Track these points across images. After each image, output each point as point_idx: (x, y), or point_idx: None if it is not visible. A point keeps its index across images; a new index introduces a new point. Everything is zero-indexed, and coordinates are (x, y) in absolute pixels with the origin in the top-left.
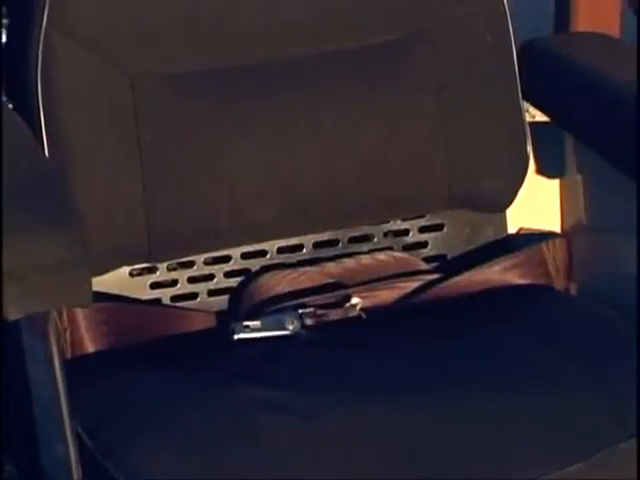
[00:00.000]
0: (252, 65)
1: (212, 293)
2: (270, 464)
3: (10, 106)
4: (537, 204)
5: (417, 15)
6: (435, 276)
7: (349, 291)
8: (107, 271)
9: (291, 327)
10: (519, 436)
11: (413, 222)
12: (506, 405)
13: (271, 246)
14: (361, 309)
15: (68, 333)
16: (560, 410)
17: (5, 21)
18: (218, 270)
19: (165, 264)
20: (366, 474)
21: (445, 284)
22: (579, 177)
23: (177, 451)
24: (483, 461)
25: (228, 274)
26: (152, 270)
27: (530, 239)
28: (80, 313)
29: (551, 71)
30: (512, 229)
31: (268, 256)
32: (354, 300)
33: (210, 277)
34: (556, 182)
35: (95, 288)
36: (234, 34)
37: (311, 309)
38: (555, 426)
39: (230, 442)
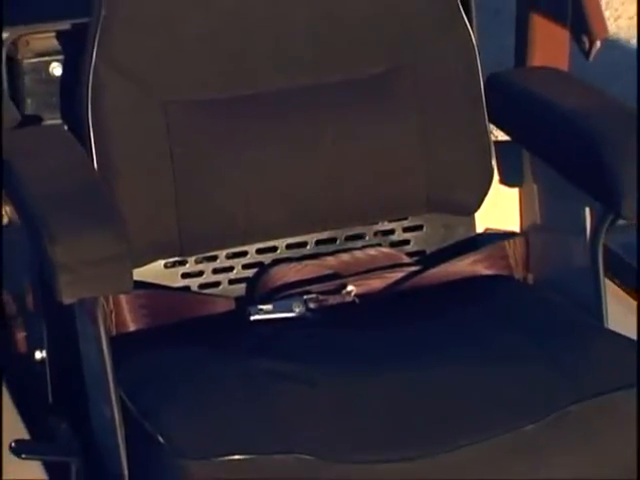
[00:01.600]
0: (263, 94)
1: (232, 282)
2: (272, 420)
3: (65, 127)
4: (500, 208)
5: (402, 52)
6: (416, 268)
7: (345, 280)
8: (145, 264)
9: (297, 310)
10: (482, 400)
11: (398, 223)
12: (472, 374)
13: (280, 243)
14: (355, 295)
15: (113, 315)
16: (517, 379)
17: (61, 57)
18: (237, 263)
19: (193, 258)
20: (358, 427)
21: (424, 274)
22: (535, 186)
23: (200, 412)
24: (454, 420)
25: (245, 266)
26: (182, 263)
27: (494, 237)
28: (123, 298)
29: (512, 98)
30: (480, 229)
31: (278, 251)
32: (349, 288)
33: (230, 269)
34: (516, 190)
35: (135, 278)
36: (249, 68)
37: (314, 295)
38: (512, 392)
39: (243, 405)
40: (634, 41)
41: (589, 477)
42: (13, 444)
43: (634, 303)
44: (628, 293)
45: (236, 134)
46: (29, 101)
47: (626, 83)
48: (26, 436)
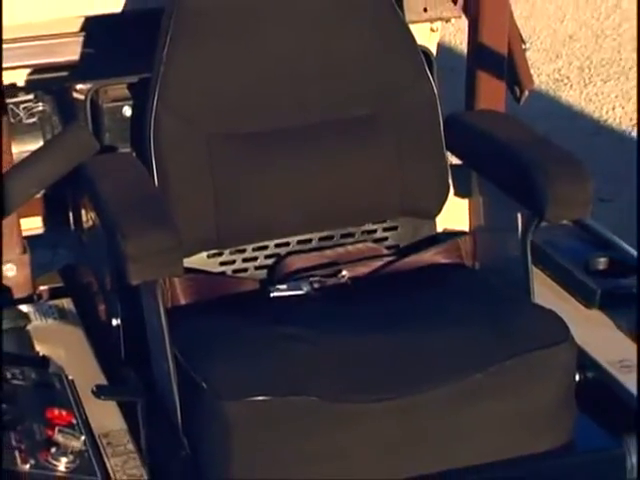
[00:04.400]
0: (283, 128)
1: (257, 268)
2: (286, 372)
3: (134, 154)
4: (455, 214)
5: (383, 99)
6: (392, 258)
7: (340, 267)
8: (192, 254)
9: (305, 289)
10: (441, 354)
11: (379, 225)
12: (434, 335)
13: (293, 239)
14: (348, 278)
15: (169, 293)
16: (466, 338)
17: (131, 102)
18: (260, 254)
19: (228, 250)
20: (352, 375)
21: (398, 263)
22: (480, 197)
23: (233, 365)
24: (421, 369)
25: (267, 256)
26: (220, 254)
27: (451, 236)
28: (176, 280)
29: (464, 133)
30: (440, 229)
31: (291, 246)
32: (343, 273)
33: (255, 258)
34: (466, 200)
35: (185, 265)
36: (273, 109)
37: (317, 278)
38: (463, 348)
39: (265, 360)
40: (552, 92)
41: (521, 417)
42: (94, 388)
43: (554, 284)
44: (549, 276)
45: (262, 159)
46: (107, 135)
47: (547, 122)
48: (105, 382)
